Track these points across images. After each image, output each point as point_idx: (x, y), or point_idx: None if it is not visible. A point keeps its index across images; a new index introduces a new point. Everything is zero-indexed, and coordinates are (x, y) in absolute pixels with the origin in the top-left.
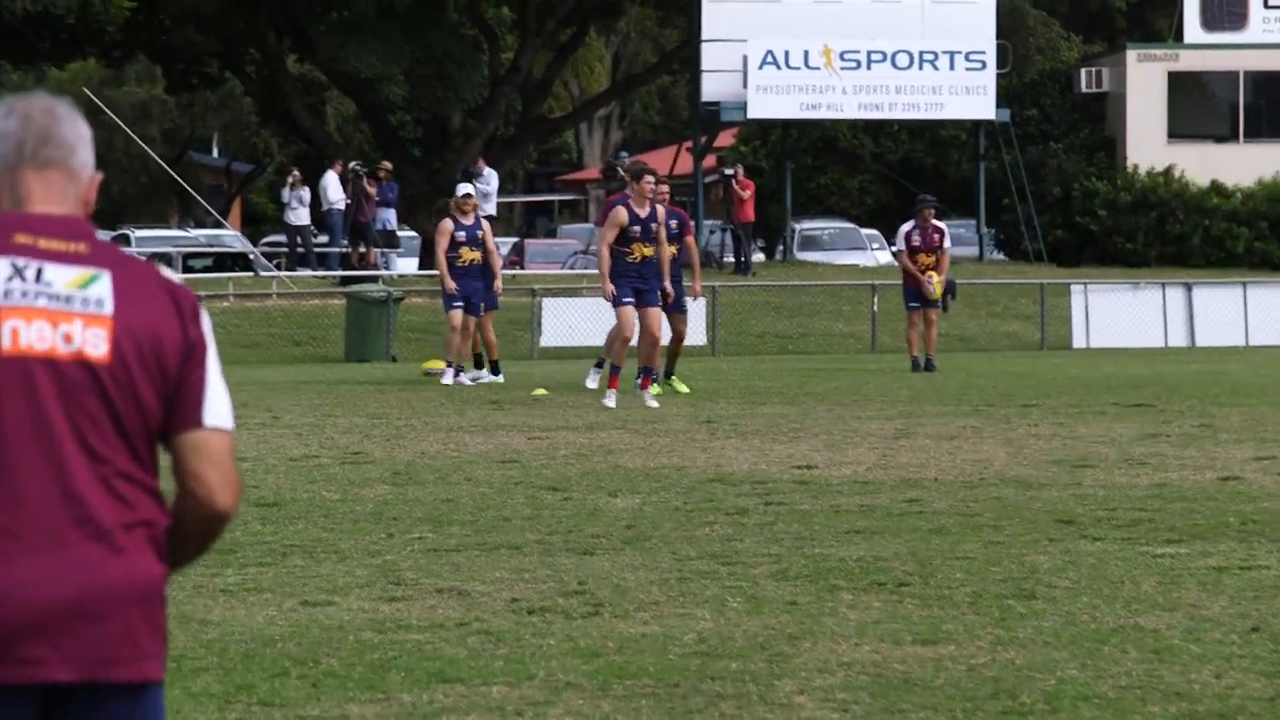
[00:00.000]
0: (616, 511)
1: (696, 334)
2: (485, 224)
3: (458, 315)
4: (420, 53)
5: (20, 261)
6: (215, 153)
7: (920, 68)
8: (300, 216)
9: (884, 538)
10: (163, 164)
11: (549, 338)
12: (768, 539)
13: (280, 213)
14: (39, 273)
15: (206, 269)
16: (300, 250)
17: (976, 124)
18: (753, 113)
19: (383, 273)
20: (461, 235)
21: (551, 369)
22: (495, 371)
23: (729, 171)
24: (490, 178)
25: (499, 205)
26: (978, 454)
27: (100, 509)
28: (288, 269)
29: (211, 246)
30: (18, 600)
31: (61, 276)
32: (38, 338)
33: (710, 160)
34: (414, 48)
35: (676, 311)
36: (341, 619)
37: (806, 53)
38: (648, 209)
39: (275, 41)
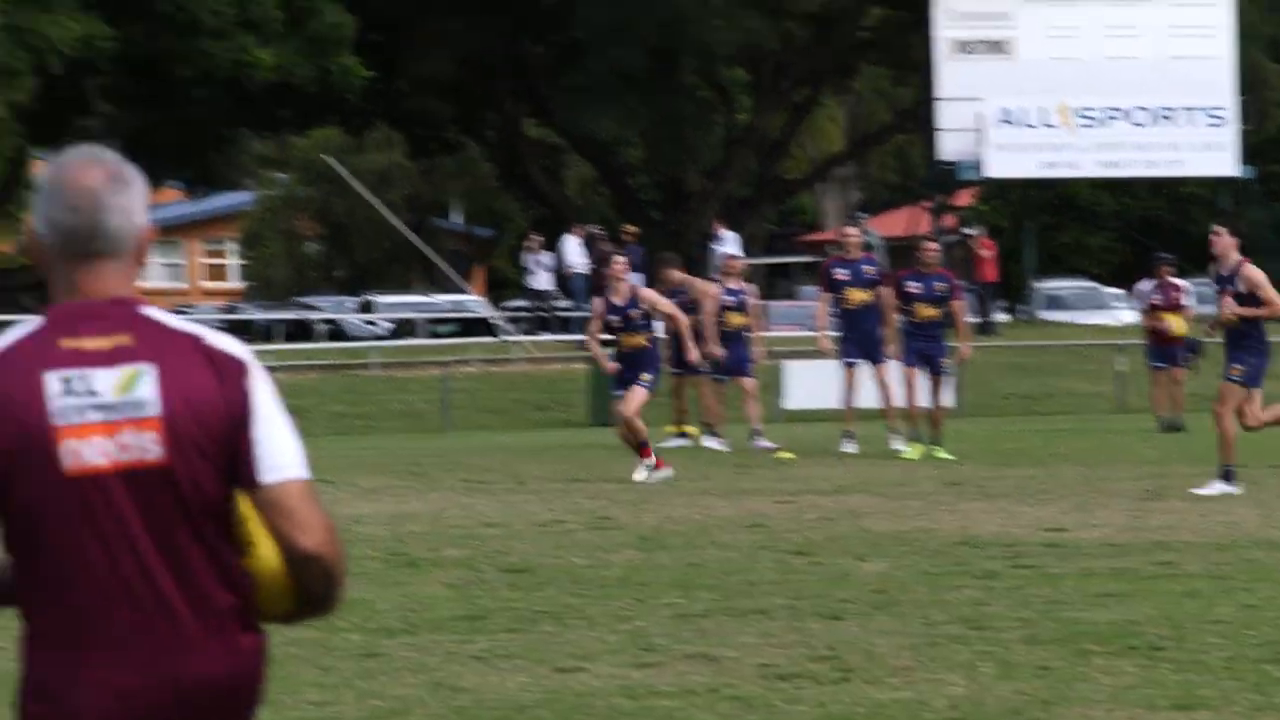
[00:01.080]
0: (865, 575)
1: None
2: (749, 288)
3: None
4: (656, 115)
5: (69, 374)
6: (456, 218)
7: (1158, 124)
8: (542, 281)
9: (1136, 601)
10: (405, 229)
11: (793, 400)
12: (1018, 603)
13: (522, 277)
14: (87, 383)
15: (450, 334)
16: (542, 314)
17: (1217, 181)
18: (990, 172)
19: None
20: (730, 300)
21: (796, 432)
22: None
23: (970, 232)
24: (728, 240)
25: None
26: (1229, 515)
27: (183, 607)
28: (530, 333)
29: (454, 312)
30: (92, 703)
31: (108, 383)
32: (96, 453)
33: (950, 220)
34: (650, 110)
35: (937, 374)
36: (593, 685)
37: (1043, 110)
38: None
39: (513, 106)
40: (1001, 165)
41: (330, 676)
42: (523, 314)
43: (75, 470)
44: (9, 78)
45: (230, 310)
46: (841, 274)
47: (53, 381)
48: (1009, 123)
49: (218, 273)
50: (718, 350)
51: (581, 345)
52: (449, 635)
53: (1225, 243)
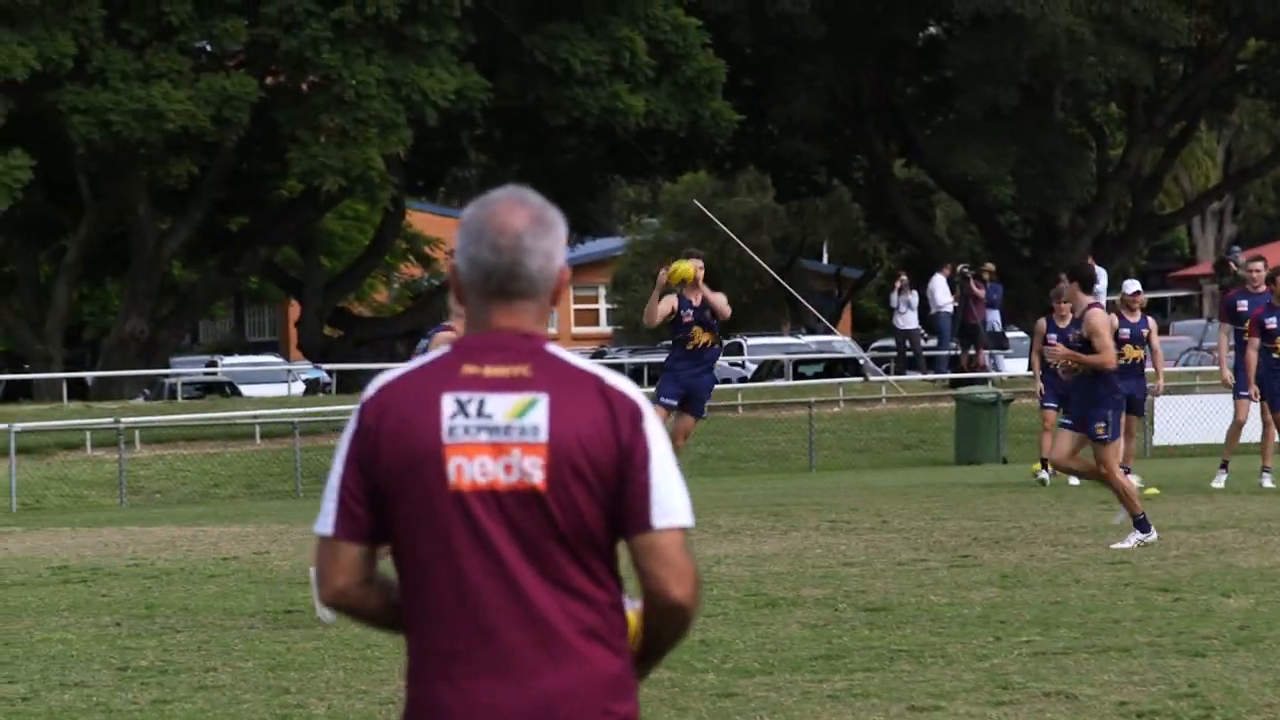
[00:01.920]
0: (1229, 612)
1: None
2: (1151, 322)
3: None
4: (1027, 153)
5: (464, 396)
6: (825, 259)
7: None
8: (909, 320)
9: None
10: (772, 273)
11: (1161, 435)
12: None
13: (889, 317)
14: (480, 405)
15: (817, 374)
16: (909, 354)
17: None
18: None
19: (991, 374)
20: (1125, 333)
21: (1164, 467)
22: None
23: None
24: (1100, 276)
25: (1112, 303)
26: None
27: (559, 626)
28: (897, 373)
29: (822, 352)
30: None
31: (501, 407)
32: (480, 472)
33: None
34: (1021, 148)
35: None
36: None
37: None
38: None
39: (883, 148)
40: None
41: (686, 717)
42: (890, 353)
43: (459, 486)
44: (387, 130)
45: (599, 355)
46: (1243, 306)
47: (449, 402)
48: None
49: (588, 317)
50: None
51: (949, 384)
52: (806, 675)
53: (1070, 288)
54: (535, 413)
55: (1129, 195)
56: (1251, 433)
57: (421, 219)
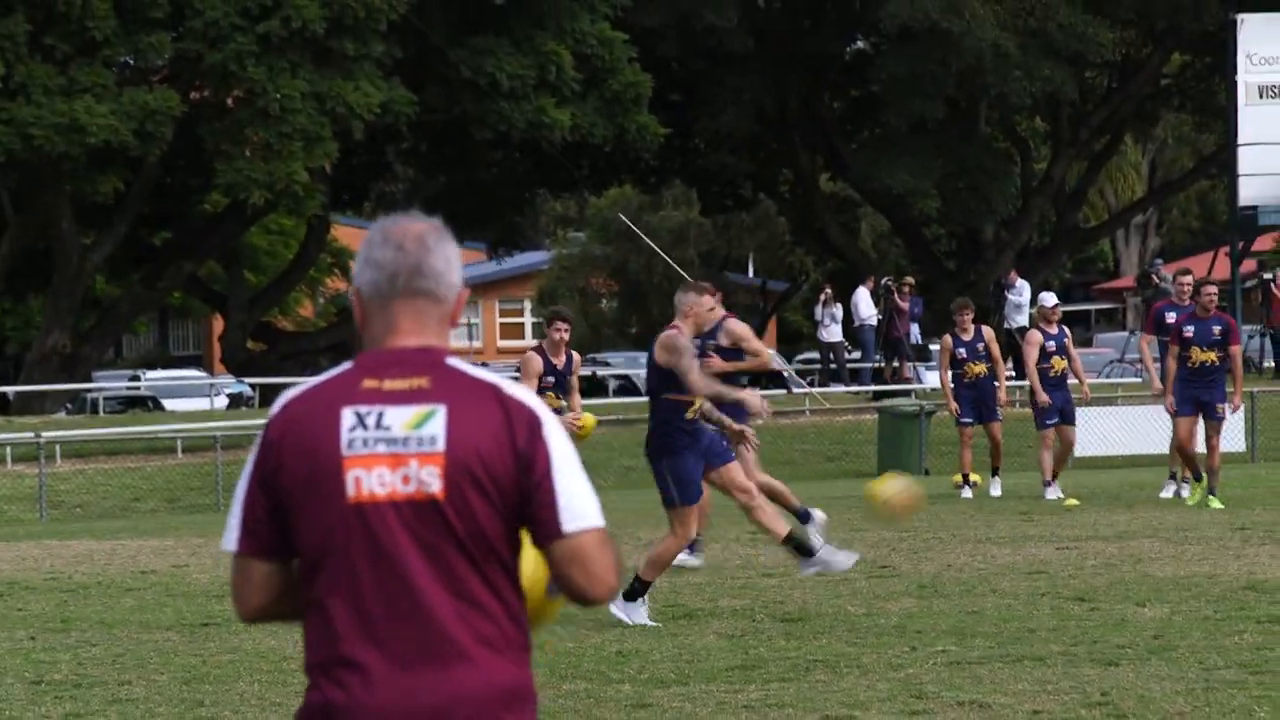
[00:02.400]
0: (1144, 621)
1: (1235, 440)
2: (1067, 331)
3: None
4: (953, 166)
5: (363, 409)
6: (751, 272)
7: None
8: (833, 333)
9: None
10: None
11: (1083, 447)
12: None
13: (814, 330)
14: (379, 418)
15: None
16: (833, 366)
17: None
18: None
19: (915, 386)
20: (1051, 345)
21: (1085, 478)
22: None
23: (1267, 276)
24: (1023, 289)
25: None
26: None
27: (455, 635)
28: (821, 385)
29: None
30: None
31: (399, 418)
32: (379, 483)
33: (1249, 264)
34: (946, 161)
35: (1213, 420)
36: None
37: None
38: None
39: (809, 161)
40: None
41: None
42: (814, 366)
43: (358, 498)
44: (312, 144)
45: None
46: (1171, 318)
47: (348, 416)
48: None
49: (513, 331)
50: (1043, 398)
51: (873, 396)
52: (721, 685)
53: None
54: (433, 423)
55: (1053, 209)
56: (1160, 443)
57: (347, 233)
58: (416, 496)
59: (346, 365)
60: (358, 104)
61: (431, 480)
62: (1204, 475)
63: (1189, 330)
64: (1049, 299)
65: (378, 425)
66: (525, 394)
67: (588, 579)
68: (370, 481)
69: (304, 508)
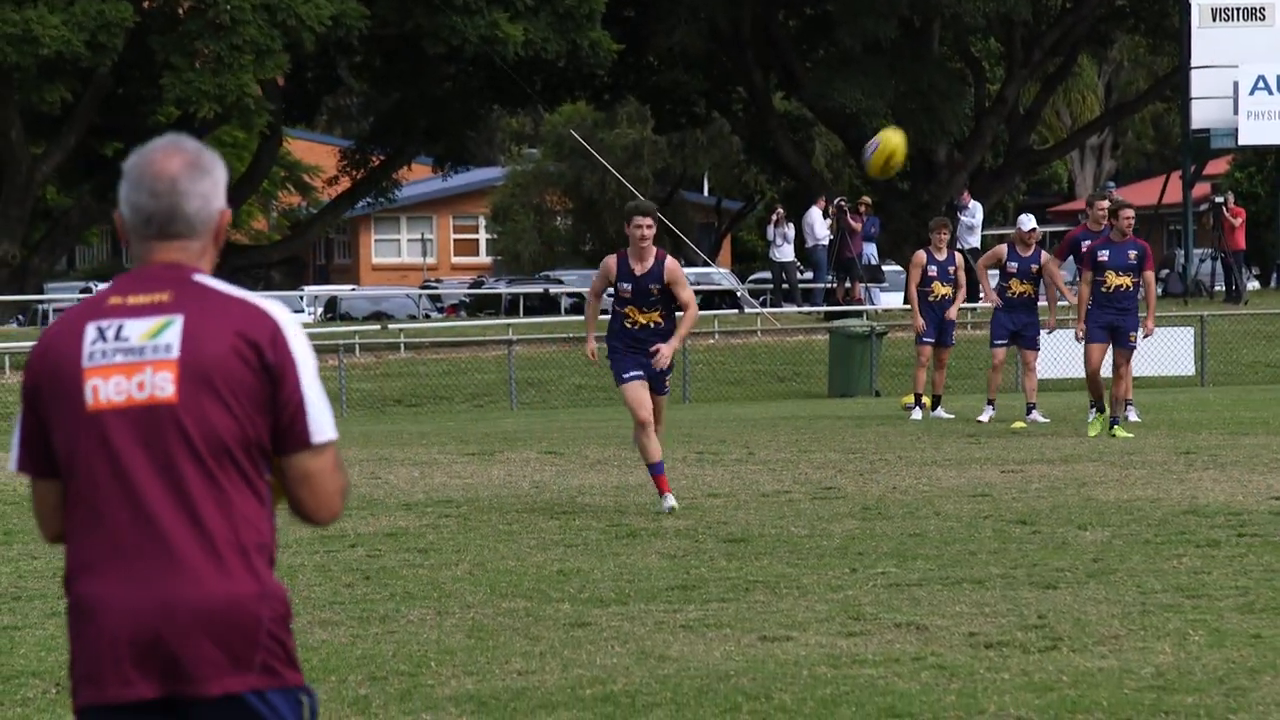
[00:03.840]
0: (1084, 544)
1: (1184, 365)
2: (1044, 255)
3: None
4: (905, 86)
5: (105, 324)
6: (706, 191)
7: None
8: (785, 253)
9: None
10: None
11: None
12: (1237, 571)
13: (768, 250)
14: (119, 330)
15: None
16: (785, 287)
17: None
18: (1243, 139)
19: (867, 307)
20: (1013, 266)
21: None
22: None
23: (1219, 200)
24: (975, 210)
25: (988, 238)
26: None
27: (182, 537)
28: (773, 305)
29: (699, 284)
30: (108, 622)
31: (137, 330)
32: (115, 391)
33: (1202, 188)
34: (899, 82)
35: (1123, 347)
36: (798, 654)
37: None
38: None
39: (762, 80)
40: (1256, 133)
41: (538, 646)
42: (767, 286)
43: (94, 406)
44: (263, 56)
45: (477, 284)
46: (1103, 255)
47: (91, 330)
48: (1264, 89)
49: (467, 247)
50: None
51: (825, 317)
52: (660, 605)
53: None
54: (169, 332)
55: (1006, 130)
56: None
57: (301, 147)
58: (150, 402)
59: (104, 286)
60: (309, 16)
61: (166, 385)
62: (1105, 406)
63: (1104, 255)
64: (1027, 222)
65: (116, 337)
66: (270, 304)
67: (319, 504)
68: (107, 390)
69: (55, 421)
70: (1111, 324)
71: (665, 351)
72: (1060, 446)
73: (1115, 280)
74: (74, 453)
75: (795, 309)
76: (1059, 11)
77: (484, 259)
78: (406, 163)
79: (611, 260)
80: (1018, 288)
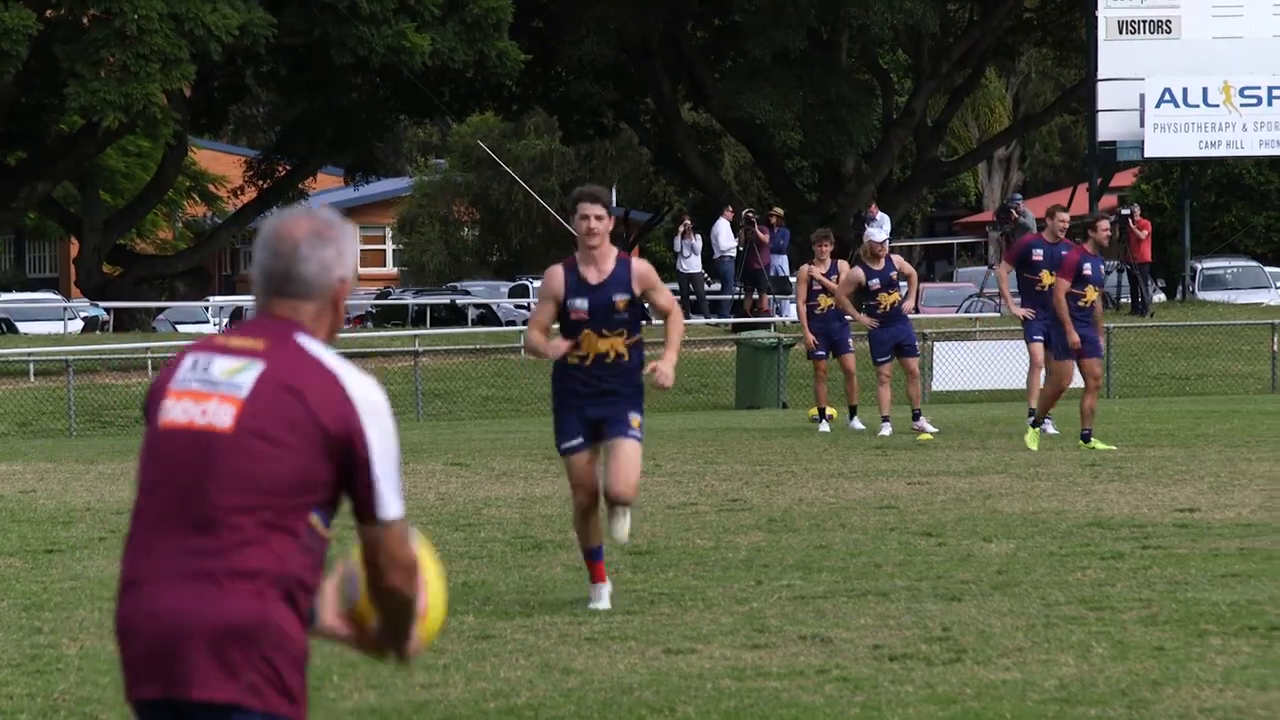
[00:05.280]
0: (989, 556)
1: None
2: (895, 260)
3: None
4: (814, 98)
5: (202, 357)
6: (614, 202)
7: None
8: (692, 265)
9: (1261, 581)
10: (557, 216)
11: (941, 381)
12: (1140, 583)
13: (675, 261)
14: (209, 364)
15: None
16: (693, 298)
17: None
18: (1150, 151)
19: (774, 319)
20: (876, 282)
21: (941, 413)
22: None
23: (1125, 211)
24: (883, 222)
25: (900, 249)
26: None
27: (218, 556)
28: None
29: None
30: (140, 630)
31: (222, 366)
32: (181, 412)
33: (1109, 200)
34: (808, 93)
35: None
36: (702, 667)
37: (1205, 90)
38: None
39: (670, 91)
40: (1161, 145)
41: (442, 659)
42: (675, 297)
43: (163, 424)
44: (169, 66)
45: (383, 295)
46: (1038, 255)
47: (188, 360)
48: (1170, 102)
49: (374, 258)
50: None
51: (732, 328)
52: (565, 617)
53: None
54: (246, 374)
55: (914, 142)
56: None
57: (207, 156)
58: (206, 428)
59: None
60: (216, 25)
61: (225, 418)
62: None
63: (1088, 268)
64: (877, 234)
65: (205, 369)
66: (354, 379)
67: (388, 559)
68: (176, 410)
69: (147, 428)
70: (1085, 337)
71: (665, 369)
72: (967, 459)
73: (1094, 295)
74: (146, 460)
75: (702, 320)
76: (966, 24)
77: (391, 270)
78: (313, 173)
79: (556, 273)
80: (886, 300)
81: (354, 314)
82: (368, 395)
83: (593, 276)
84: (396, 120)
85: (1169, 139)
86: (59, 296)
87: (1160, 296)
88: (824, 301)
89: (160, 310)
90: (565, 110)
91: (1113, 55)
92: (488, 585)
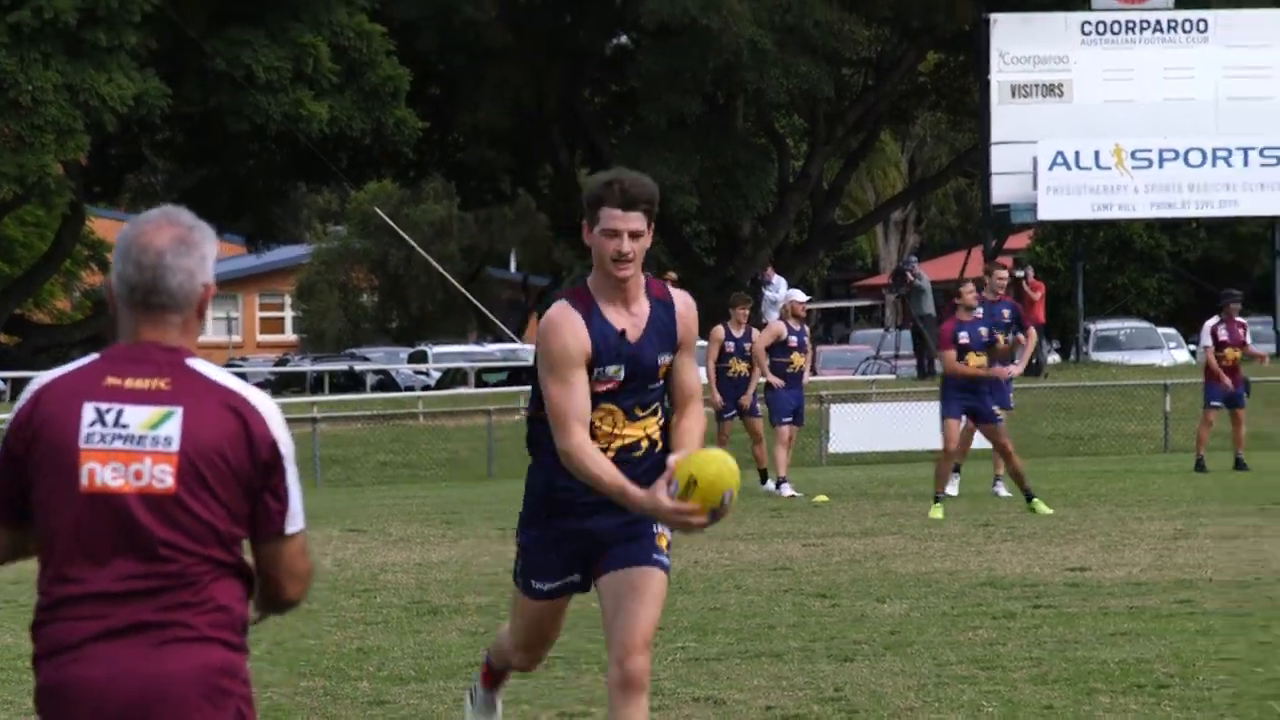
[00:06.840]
0: (882, 617)
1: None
2: (804, 327)
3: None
4: (710, 162)
5: (104, 406)
6: (513, 267)
7: (1214, 165)
8: None
9: (1149, 639)
10: (454, 282)
11: (837, 443)
12: (1031, 642)
13: None
14: (119, 415)
15: (500, 382)
16: None
17: (1274, 220)
18: (1043, 214)
19: None
20: (794, 341)
21: (837, 475)
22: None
23: (1019, 274)
24: (779, 285)
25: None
26: (1257, 553)
27: (161, 616)
28: None
29: (505, 361)
30: (87, 698)
31: (137, 418)
32: (112, 476)
33: (1004, 262)
34: (704, 158)
35: (990, 422)
36: None
37: (1097, 153)
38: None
39: (568, 156)
40: (1054, 207)
41: None
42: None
43: (89, 489)
44: (65, 136)
45: (282, 362)
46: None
47: (89, 411)
48: (1063, 165)
49: (273, 325)
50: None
51: None
52: (460, 682)
53: None
54: (169, 425)
55: (810, 206)
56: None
57: (103, 225)
58: (148, 491)
59: (95, 356)
60: (111, 96)
61: (165, 477)
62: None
63: (964, 336)
64: (800, 294)
65: (116, 423)
66: (259, 397)
67: (290, 576)
68: (104, 474)
69: (44, 491)
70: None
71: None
72: (862, 520)
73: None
74: (58, 529)
75: None
76: (861, 89)
77: (290, 336)
78: None
79: (572, 320)
80: (798, 361)
81: (253, 381)
82: (272, 410)
83: (624, 323)
84: (294, 187)
85: (1062, 201)
86: None
87: (1054, 358)
88: (735, 365)
89: None
90: (462, 176)
91: (1005, 119)
92: (383, 650)
